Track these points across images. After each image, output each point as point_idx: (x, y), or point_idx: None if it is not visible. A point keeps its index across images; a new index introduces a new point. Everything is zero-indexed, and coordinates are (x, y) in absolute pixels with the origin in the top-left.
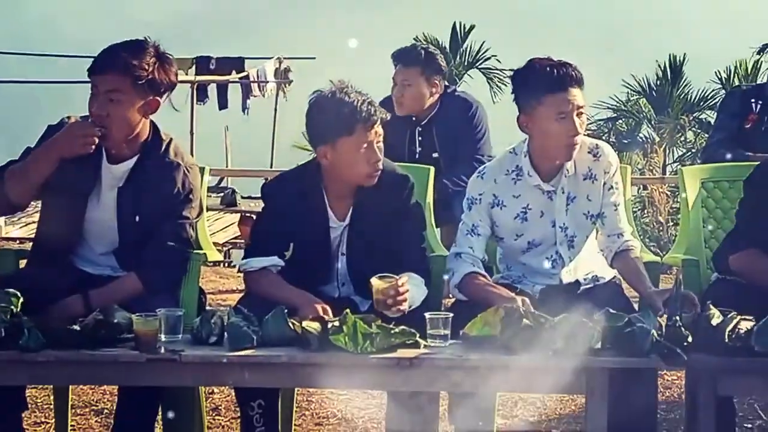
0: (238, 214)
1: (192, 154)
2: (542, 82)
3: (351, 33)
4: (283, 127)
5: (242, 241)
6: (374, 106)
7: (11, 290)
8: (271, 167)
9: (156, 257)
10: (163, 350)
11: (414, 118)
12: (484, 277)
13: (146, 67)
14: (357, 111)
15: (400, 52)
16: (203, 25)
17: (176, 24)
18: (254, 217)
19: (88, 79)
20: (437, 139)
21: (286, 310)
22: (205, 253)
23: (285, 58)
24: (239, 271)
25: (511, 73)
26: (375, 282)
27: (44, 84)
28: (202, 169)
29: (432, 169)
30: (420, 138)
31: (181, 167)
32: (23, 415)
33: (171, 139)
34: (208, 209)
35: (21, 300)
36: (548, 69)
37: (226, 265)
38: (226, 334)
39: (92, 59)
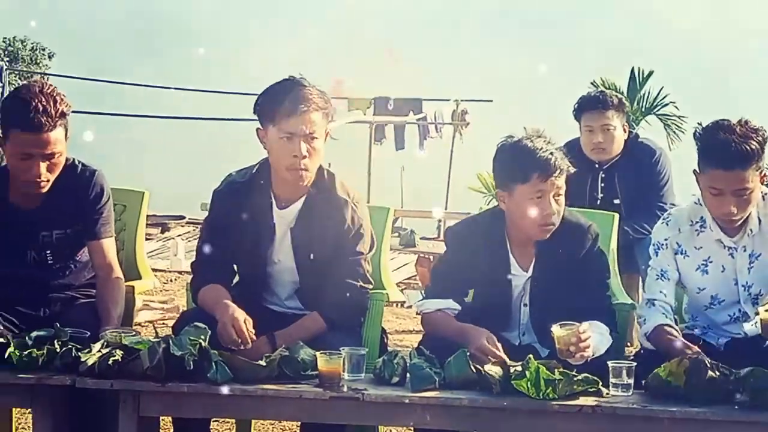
0: (414, 255)
1: (369, 194)
2: (711, 153)
3: (528, 76)
4: (459, 168)
5: (418, 282)
6: (558, 157)
7: (200, 324)
8: (445, 209)
9: (335, 295)
10: (346, 388)
11: (597, 164)
12: (675, 329)
13: (330, 102)
14: (536, 159)
15: (594, 98)
16: (381, 66)
17: (355, 65)
18: (431, 258)
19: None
20: (619, 186)
21: (468, 353)
22: (387, 293)
23: (462, 101)
24: (417, 313)
25: (687, 122)
26: (556, 330)
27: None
28: (386, 210)
29: (616, 216)
30: (602, 184)
31: (349, 203)
32: None
33: (335, 175)
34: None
35: (209, 333)
36: (719, 141)
37: (401, 305)
38: (408, 374)
39: (267, 103)
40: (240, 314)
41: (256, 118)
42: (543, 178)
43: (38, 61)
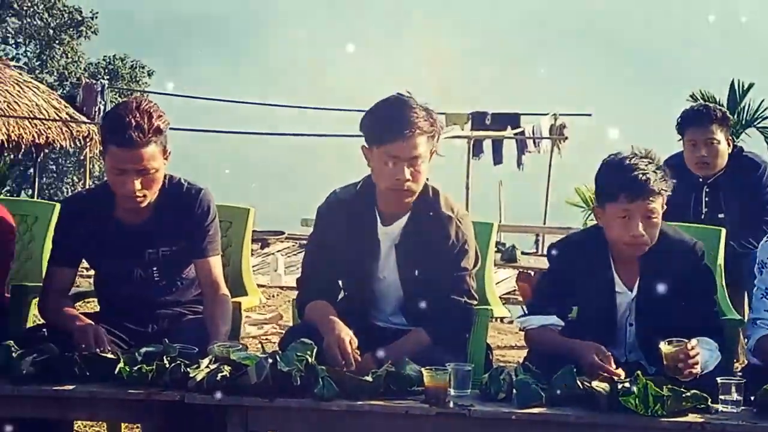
0: (515, 270)
1: (467, 209)
2: None
3: (627, 90)
4: (557, 183)
5: (517, 296)
6: (653, 179)
7: (306, 340)
8: (543, 224)
9: (440, 311)
10: (452, 404)
11: (700, 179)
12: None
13: (437, 122)
14: (626, 179)
15: (697, 111)
16: (479, 81)
17: (452, 80)
18: (532, 273)
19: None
20: (724, 200)
21: (575, 369)
22: (491, 309)
23: (560, 114)
24: (521, 329)
25: None
26: (664, 347)
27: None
28: (489, 225)
29: (723, 230)
30: (707, 199)
31: (453, 219)
32: None
33: (439, 192)
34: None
35: (315, 350)
36: None
37: (501, 320)
38: (514, 390)
39: (373, 124)
40: (346, 334)
41: (361, 134)
42: (630, 198)
43: (138, 78)
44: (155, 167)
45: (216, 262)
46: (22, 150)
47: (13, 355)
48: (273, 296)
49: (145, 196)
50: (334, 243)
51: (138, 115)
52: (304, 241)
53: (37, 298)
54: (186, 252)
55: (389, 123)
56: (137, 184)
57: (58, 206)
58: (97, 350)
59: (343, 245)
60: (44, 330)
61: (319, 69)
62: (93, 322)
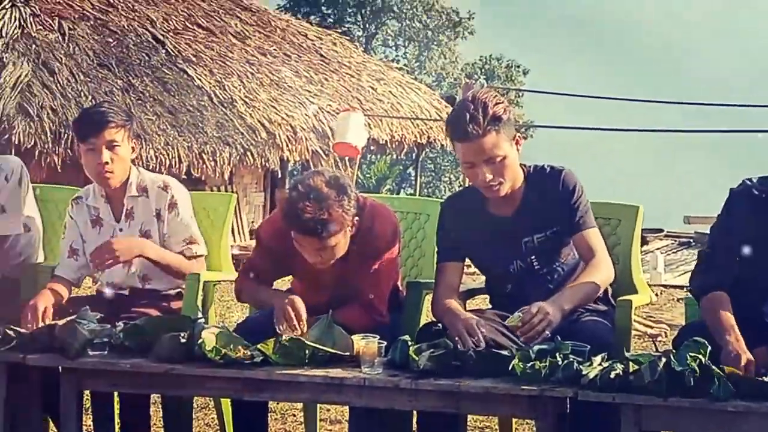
0: None
1: None
2: None
3: None
4: None
5: None
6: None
7: (700, 339)
8: None
9: None
10: None
11: None
12: None
13: None
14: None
15: None
16: None
17: None
18: None
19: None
20: None
21: None
22: None
23: None
24: None
25: None
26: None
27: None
28: None
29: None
30: None
31: None
32: None
33: None
34: None
35: (709, 349)
36: None
37: None
38: None
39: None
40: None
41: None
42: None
43: (513, 77)
44: (500, 155)
45: (593, 234)
46: (404, 149)
47: (411, 349)
48: (657, 294)
49: (500, 183)
50: (739, 231)
51: (473, 107)
52: (684, 239)
53: (431, 294)
54: (560, 234)
55: None
56: (488, 174)
57: None
58: (490, 344)
59: (750, 235)
60: (439, 325)
61: (670, 62)
62: (477, 318)
